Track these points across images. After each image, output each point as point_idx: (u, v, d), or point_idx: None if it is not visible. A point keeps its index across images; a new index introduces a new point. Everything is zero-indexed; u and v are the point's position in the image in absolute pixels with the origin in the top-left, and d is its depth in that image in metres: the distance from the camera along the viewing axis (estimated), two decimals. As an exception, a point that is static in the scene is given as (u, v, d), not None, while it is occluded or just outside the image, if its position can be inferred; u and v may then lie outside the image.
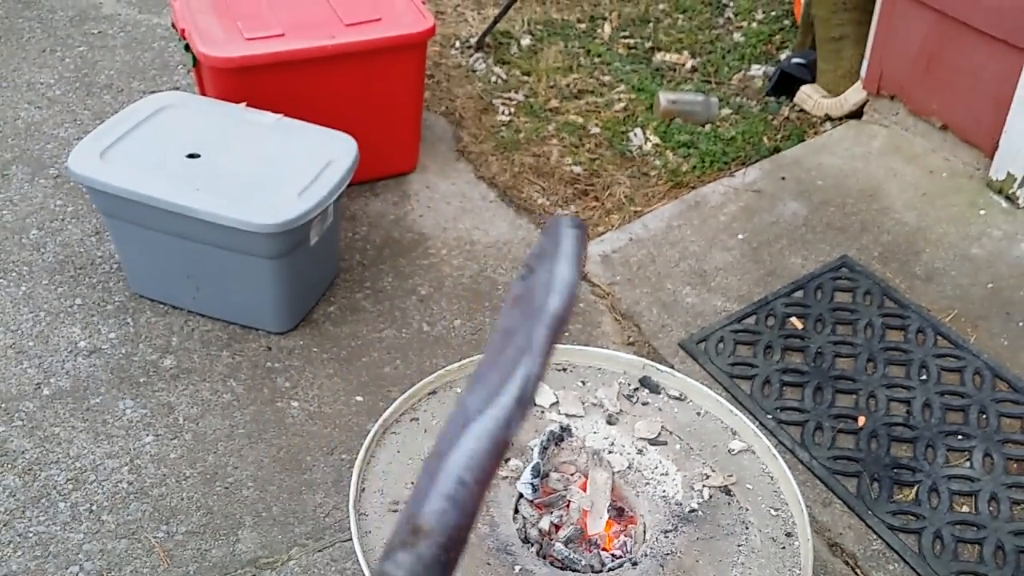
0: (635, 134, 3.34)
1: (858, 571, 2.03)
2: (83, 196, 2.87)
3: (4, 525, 2.03)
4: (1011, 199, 2.89)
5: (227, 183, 2.36)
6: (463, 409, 0.58)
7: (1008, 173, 2.88)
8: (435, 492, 0.54)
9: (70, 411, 2.27)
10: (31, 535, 2.01)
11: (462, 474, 0.54)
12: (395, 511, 1.64)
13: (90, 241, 2.76)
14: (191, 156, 2.43)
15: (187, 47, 2.70)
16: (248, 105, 2.63)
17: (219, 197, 2.31)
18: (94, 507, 2.08)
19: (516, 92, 3.53)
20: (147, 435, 2.23)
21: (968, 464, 2.21)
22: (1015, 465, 2.21)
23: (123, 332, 2.48)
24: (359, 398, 2.36)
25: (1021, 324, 2.54)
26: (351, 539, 1.59)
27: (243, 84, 2.67)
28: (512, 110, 3.44)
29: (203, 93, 2.83)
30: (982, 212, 2.88)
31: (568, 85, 3.58)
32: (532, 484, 1.72)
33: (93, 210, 2.80)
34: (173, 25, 2.81)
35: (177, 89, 3.30)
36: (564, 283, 0.60)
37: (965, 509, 2.12)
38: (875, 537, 2.08)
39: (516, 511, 1.70)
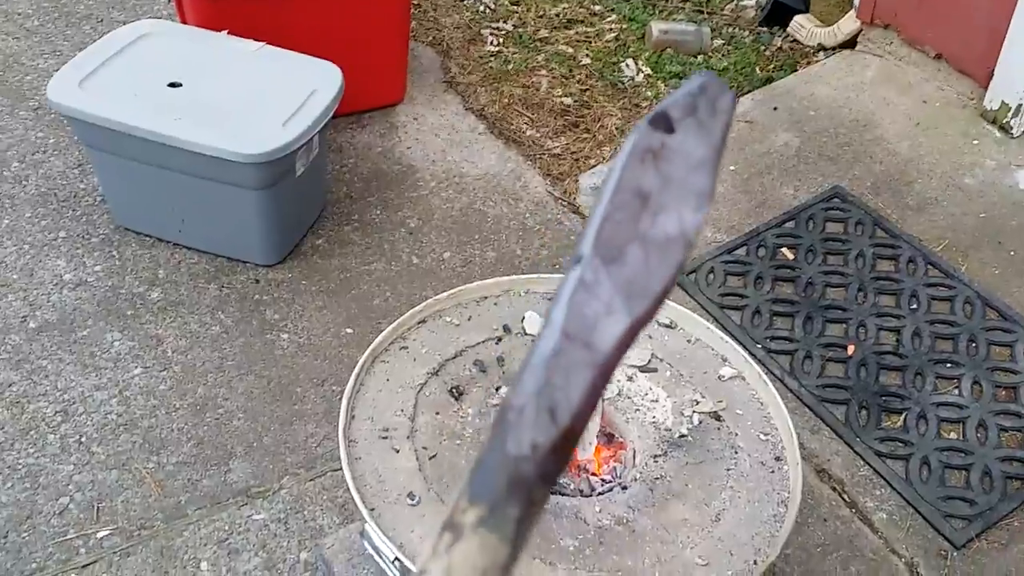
0: (626, 65, 3.29)
1: (845, 496, 2.04)
2: (65, 128, 2.82)
3: (-7, 457, 2.02)
4: (1005, 129, 2.86)
5: (210, 112, 2.32)
6: (595, 288, 0.51)
7: (1002, 103, 2.85)
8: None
9: (57, 344, 2.26)
10: (20, 467, 2.01)
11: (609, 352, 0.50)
12: (385, 438, 1.63)
13: (73, 173, 2.71)
14: (172, 85, 2.38)
15: (166, -27, 2.63)
16: (230, 33, 2.57)
17: (202, 126, 2.27)
18: (83, 439, 2.07)
19: (505, 22, 3.47)
20: (135, 367, 2.22)
21: (957, 392, 2.22)
22: (1004, 392, 2.22)
23: (109, 265, 2.45)
24: (348, 330, 2.35)
25: (1012, 253, 2.53)
26: (341, 468, 1.59)
27: (224, 12, 2.60)
28: (501, 40, 3.38)
29: (184, 21, 2.77)
30: (975, 142, 2.86)
31: (558, 15, 3.51)
32: (522, 411, 1.71)
33: (75, 142, 2.75)
34: (152, -49, 2.73)
35: (158, 18, 3.23)
36: (702, 194, 0.53)
37: (953, 436, 2.14)
38: (863, 463, 2.09)
39: (506, 438, 1.70)
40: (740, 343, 2.28)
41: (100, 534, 1.91)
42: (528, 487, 0.48)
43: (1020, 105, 2.81)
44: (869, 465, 2.09)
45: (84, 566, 1.85)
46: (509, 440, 0.48)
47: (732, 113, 0.55)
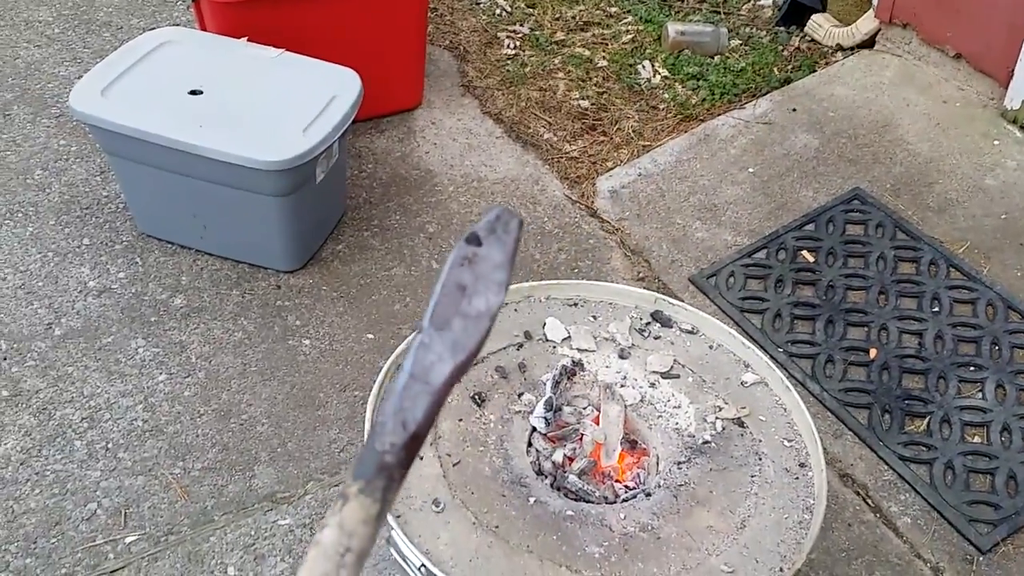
0: (643, 67, 3.29)
1: (869, 501, 2.04)
2: (86, 136, 2.84)
3: (21, 464, 2.04)
4: (1026, 129, 2.85)
5: (230, 120, 2.33)
6: (431, 346, 0.75)
7: (1023, 102, 2.83)
8: (397, 410, 0.73)
9: (82, 351, 2.28)
10: (48, 473, 2.03)
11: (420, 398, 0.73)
12: (410, 445, 1.65)
13: (95, 181, 2.73)
14: (193, 92, 2.40)
15: (187, -19, 2.64)
16: (249, 40, 2.59)
17: (223, 134, 2.28)
18: (110, 445, 2.09)
19: (521, 25, 3.47)
20: (160, 373, 2.24)
21: (980, 395, 2.21)
22: (1027, 395, 2.21)
23: (132, 272, 2.48)
24: (370, 335, 2.36)
25: (1034, 255, 2.52)
26: (366, 473, 1.60)
27: (244, 18, 2.62)
28: (517, 43, 3.38)
29: (203, 28, 2.78)
30: (996, 142, 2.85)
31: (574, 17, 3.52)
32: (545, 418, 1.72)
33: (97, 149, 2.78)
34: (172, -42, 2.75)
35: (177, 25, 3.25)
36: (501, 284, 0.78)
37: (977, 439, 2.13)
38: (886, 468, 2.09)
39: (530, 444, 1.70)
40: (762, 348, 2.28)
41: (128, 539, 1.93)
42: (390, 470, 0.72)
43: (1041, 105, 2.80)
44: (893, 469, 2.08)
45: (113, 571, 1.87)
46: (377, 441, 0.72)
47: (520, 232, 0.80)
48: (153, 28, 2.95)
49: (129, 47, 2.53)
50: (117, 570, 1.88)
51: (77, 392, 2.19)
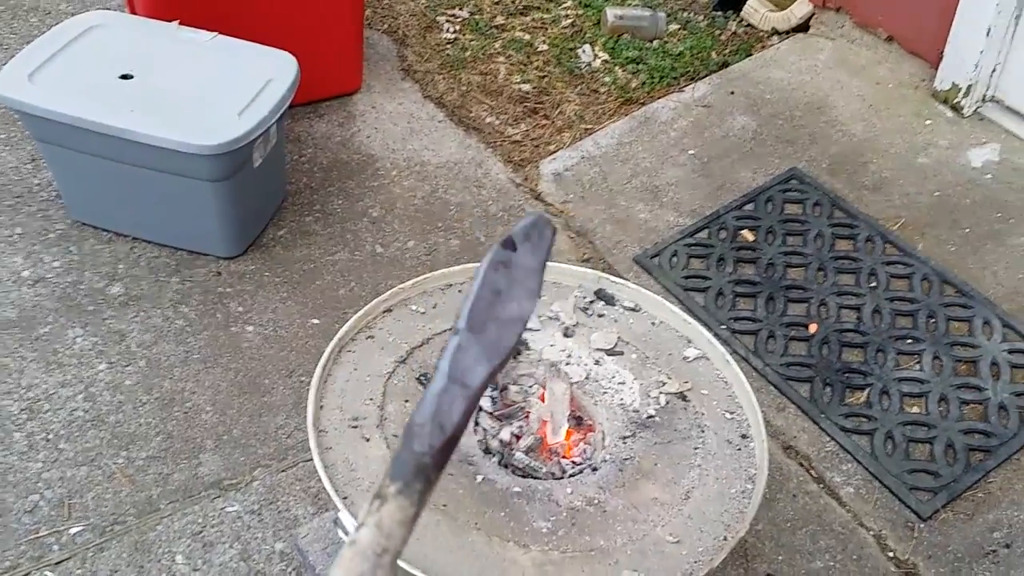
0: (583, 51, 3.30)
1: (813, 472, 2.08)
2: (15, 123, 2.76)
3: (-45, 458, 1.99)
4: (956, 109, 2.92)
5: (163, 104, 2.29)
6: (467, 349, 0.80)
7: (953, 83, 2.90)
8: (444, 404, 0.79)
9: (18, 341, 2.22)
10: (-16, 467, 1.98)
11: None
12: (355, 427, 1.63)
13: (26, 169, 2.66)
14: (124, 77, 2.35)
15: (117, -37, 2.58)
16: (181, 23, 2.53)
17: (155, 118, 2.24)
18: (51, 436, 2.04)
19: (460, 9, 3.46)
20: (100, 363, 2.19)
21: (918, 367, 2.26)
22: (964, 366, 2.27)
23: (67, 260, 2.42)
24: (315, 321, 2.34)
25: (967, 230, 2.59)
26: (312, 458, 1.58)
27: (175, 1, 2.56)
28: (457, 27, 3.37)
29: (133, 12, 2.72)
30: (928, 122, 2.91)
31: (513, 1, 3.51)
32: (491, 397, 1.72)
33: (27, 137, 2.70)
34: (101, -60, 2.68)
35: (107, 9, 3.17)
36: (533, 291, 0.85)
37: (915, 410, 2.18)
38: (828, 439, 2.13)
39: (476, 423, 1.71)
40: (704, 324, 2.31)
41: (72, 530, 1.89)
42: (427, 471, 0.76)
43: (970, 86, 2.87)
44: (835, 440, 2.13)
45: (58, 563, 1.84)
46: (415, 443, 0.76)
47: (553, 240, 0.85)
48: (82, 12, 2.87)
49: (57, 31, 2.47)
50: (62, 561, 1.84)
51: (15, 383, 2.14)
